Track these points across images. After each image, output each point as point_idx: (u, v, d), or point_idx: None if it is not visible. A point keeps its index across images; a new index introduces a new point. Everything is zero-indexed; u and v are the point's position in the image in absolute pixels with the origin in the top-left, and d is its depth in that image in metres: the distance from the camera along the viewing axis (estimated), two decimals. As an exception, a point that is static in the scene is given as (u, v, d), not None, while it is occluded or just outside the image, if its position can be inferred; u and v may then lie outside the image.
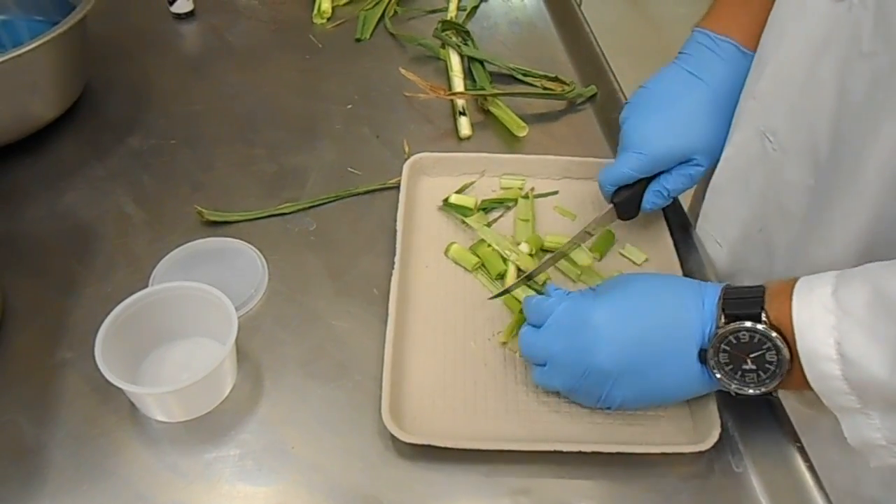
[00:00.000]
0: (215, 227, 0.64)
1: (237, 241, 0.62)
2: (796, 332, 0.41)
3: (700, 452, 0.48)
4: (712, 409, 0.50)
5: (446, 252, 0.61)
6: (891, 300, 0.38)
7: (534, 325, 0.50)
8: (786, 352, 0.42)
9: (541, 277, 0.59)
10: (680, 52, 0.61)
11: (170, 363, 0.53)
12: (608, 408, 0.49)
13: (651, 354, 0.46)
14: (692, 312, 0.46)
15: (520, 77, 0.82)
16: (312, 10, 0.93)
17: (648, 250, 0.63)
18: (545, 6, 0.97)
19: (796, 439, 0.48)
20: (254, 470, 0.48)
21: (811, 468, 0.46)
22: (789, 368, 0.42)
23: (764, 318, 0.43)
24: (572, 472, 0.48)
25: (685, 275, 0.61)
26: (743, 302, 0.44)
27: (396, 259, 0.58)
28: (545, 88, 0.80)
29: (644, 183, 0.60)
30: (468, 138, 0.75)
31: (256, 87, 0.81)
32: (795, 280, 0.43)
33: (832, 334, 0.39)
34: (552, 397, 0.52)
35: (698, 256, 0.62)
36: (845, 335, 0.38)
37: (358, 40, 0.90)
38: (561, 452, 0.47)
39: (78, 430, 0.49)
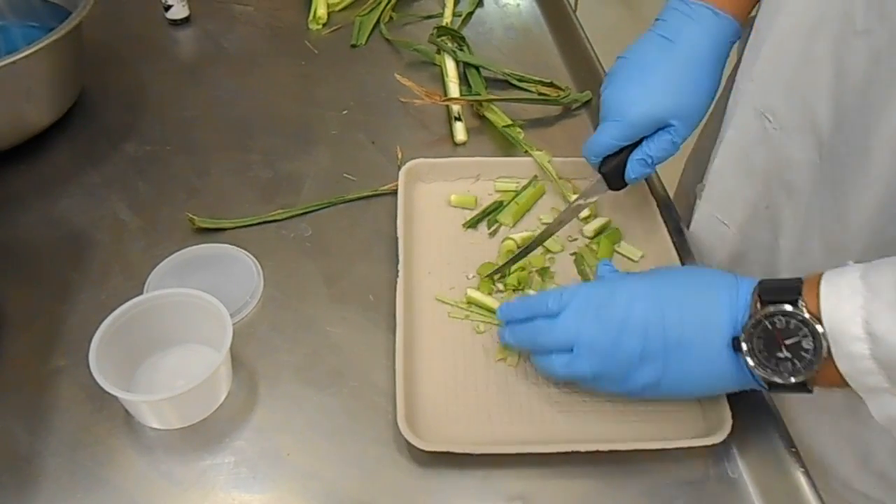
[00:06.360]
0: (211, 233, 0.64)
1: (232, 247, 0.62)
2: (823, 313, 0.40)
3: (700, 456, 0.48)
4: (722, 401, 0.49)
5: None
6: None
7: (548, 316, 0.49)
8: (823, 339, 0.41)
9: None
10: (655, 20, 0.61)
11: (165, 370, 0.53)
12: (628, 393, 0.48)
13: (681, 333, 0.45)
14: (726, 299, 0.45)
15: (515, 82, 0.82)
16: (308, 16, 0.93)
17: (645, 246, 0.63)
18: (540, 11, 0.98)
19: (791, 444, 0.48)
20: (249, 477, 0.48)
21: (806, 473, 0.46)
22: (826, 358, 0.41)
23: (801, 304, 0.42)
24: (568, 477, 0.48)
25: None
26: (780, 289, 0.43)
27: (400, 267, 0.58)
28: (540, 94, 0.80)
29: (629, 151, 0.60)
30: (463, 144, 0.75)
31: (252, 92, 0.81)
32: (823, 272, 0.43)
33: (860, 314, 0.39)
34: (563, 397, 0.52)
35: (697, 250, 0.63)
36: (873, 314, 0.38)
37: (353, 46, 0.90)
38: (558, 455, 0.47)
39: (72, 438, 0.49)
